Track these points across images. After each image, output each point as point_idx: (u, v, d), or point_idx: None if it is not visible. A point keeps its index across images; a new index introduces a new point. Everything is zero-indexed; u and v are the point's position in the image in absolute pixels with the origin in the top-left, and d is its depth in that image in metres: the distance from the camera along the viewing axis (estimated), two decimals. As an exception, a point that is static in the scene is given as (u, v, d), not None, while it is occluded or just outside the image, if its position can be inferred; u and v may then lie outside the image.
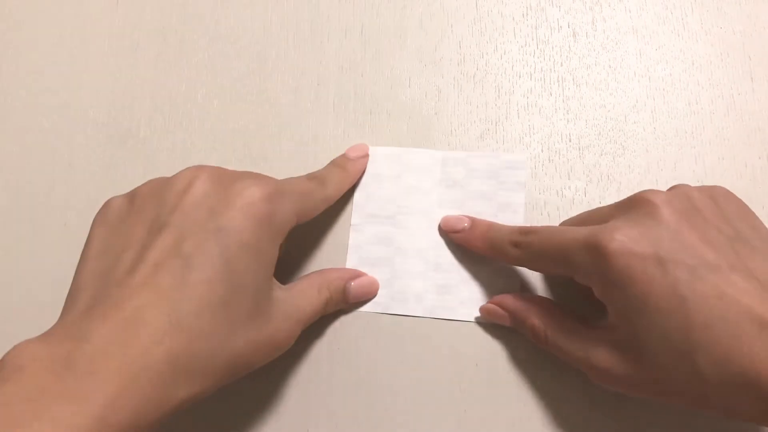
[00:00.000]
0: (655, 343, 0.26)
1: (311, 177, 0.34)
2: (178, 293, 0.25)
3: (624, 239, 0.27)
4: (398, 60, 0.40)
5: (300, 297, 0.31)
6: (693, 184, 0.36)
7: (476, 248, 0.34)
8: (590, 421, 0.32)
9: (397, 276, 0.35)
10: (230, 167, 0.38)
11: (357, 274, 0.35)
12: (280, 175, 0.37)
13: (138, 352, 0.23)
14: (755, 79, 0.38)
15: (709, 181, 0.36)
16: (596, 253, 0.27)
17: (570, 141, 0.37)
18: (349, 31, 0.41)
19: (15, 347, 0.23)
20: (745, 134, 0.37)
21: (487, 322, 0.34)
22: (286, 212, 0.29)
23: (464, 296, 0.35)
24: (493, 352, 0.34)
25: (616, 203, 0.31)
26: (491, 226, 0.34)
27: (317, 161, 0.38)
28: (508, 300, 0.33)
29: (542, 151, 0.37)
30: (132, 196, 0.29)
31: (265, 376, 0.34)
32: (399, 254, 0.35)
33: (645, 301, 0.26)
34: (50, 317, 0.36)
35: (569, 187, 0.36)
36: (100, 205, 0.38)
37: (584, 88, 0.38)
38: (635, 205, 0.28)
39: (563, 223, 0.34)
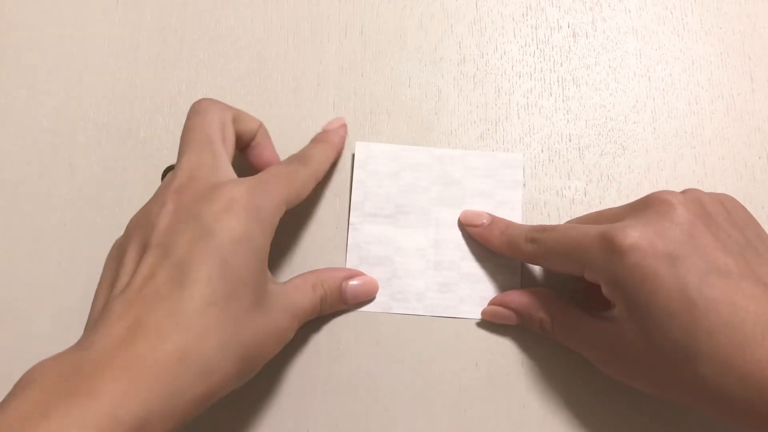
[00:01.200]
0: (659, 342, 0.26)
1: (291, 158, 0.33)
2: (178, 294, 0.25)
3: (639, 236, 0.27)
4: (398, 60, 0.40)
5: (294, 292, 0.31)
6: (693, 184, 0.36)
7: (492, 244, 0.34)
8: (590, 421, 0.32)
9: (398, 275, 0.35)
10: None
11: (353, 274, 0.34)
12: (280, 175, 0.37)
13: (144, 351, 0.23)
14: (755, 79, 0.38)
15: (709, 181, 0.36)
16: (610, 249, 0.27)
17: (570, 141, 0.37)
18: (349, 31, 0.41)
19: (33, 366, 0.24)
20: (745, 134, 0.37)
21: (492, 322, 0.34)
22: (272, 200, 0.29)
23: (465, 294, 0.35)
24: (493, 351, 0.34)
25: (629, 203, 0.31)
26: (510, 224, 0.34)
27: (317, 161, 0.38)
28: (512, 297, 0.33)
29: (542, 151, 0.37)
30: (126, 230, 0.30)
31: (265, 375, 0.34)
32: (399, 253, 0.35)
33: (653, 300, 0.26)
34: (49, 317, 0.36)
35: (569, 187, 0.36)
36: (100, 205, 0.38)
37: (584, 88, 0.38)
38: (651, 205, 0.29)
39: (573, 221, 0.34)
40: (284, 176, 0.31)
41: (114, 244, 0.30)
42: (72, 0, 0.43)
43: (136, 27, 0.42)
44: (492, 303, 0.34)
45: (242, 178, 0.29)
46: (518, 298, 0.33)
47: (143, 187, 0.38)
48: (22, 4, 0.43)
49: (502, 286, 0.35)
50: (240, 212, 0.27)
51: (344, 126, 0.37)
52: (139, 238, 0.28)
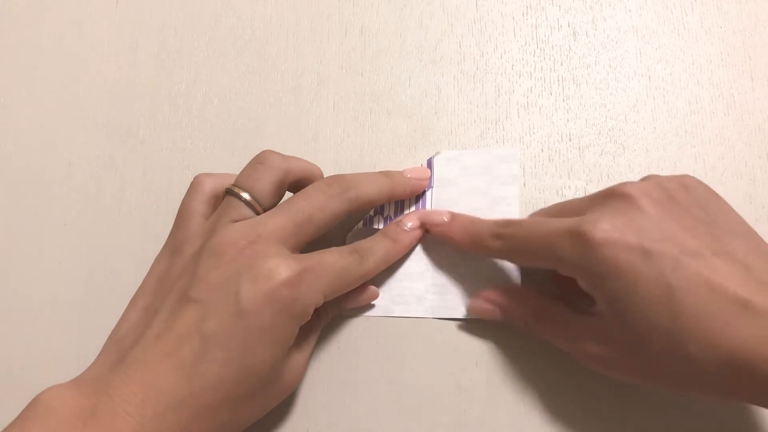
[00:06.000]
0: (645, 331, 0.26)
1: (354, 249, 0.32)
2: (195, 368, 0.27)
3: (609, 229, 0.27)
4: (398, 59, 0.40)
5: (305, 331, 0.32)
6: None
7: (456, 242, 0.34)
8: (590, 421, 0.32)
9: (397, 278, 0.35)
10: (230, 167, 0.38)
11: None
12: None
13: (153, 415, 0.26)
14: (755, 79, 0.38)
15: (709, 180, 0.36)
16: (581, 244, 0.27)
17: (570, 140, 0.37)
18: (349, 30, 0.41)
19: (49, 389, 0.26)
20: (745, 133, 0.37)
21: (492, 323, 0.34)
22: (311, 295, 0.29)
23: (465, 294, 0.35)
24: (493, 351, 0.34)
25: (590, 195, 0.31)
26: (473, 220, 0.34)
27: (317, 160, 0.37)
28: (497, 294, 0.33)
29: (542, 150, 0.37)
30: (173, 252, 0.31)
31: (265, 375, 0.34)
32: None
33: (632, 290, 0.26)
34: (49, 317, 0.36)
35: (569, 187, 0.36)
36: (99, 205, 0.38)
37: (584, 87, 0.38)
38: (614, 197, 0.29)
39: (535, 214, 0.34)
40: (336, 270, 0.30)
41: (160, 262, 0.32)
42: (72, 0, 0.43)
43: (136, 26, 0.42)
44: (477, 297, 0.34)
45: (292, 258, 0.29)
46: (502, 294, 0.33)
47: (143, 187, 0.38)
48: (22, 4, 0.43)
49: (502, 285, 0.34)
50: (275, 305, 0.27)
51: (421, 230, 0.35)
52: (186, 278, 0.29)
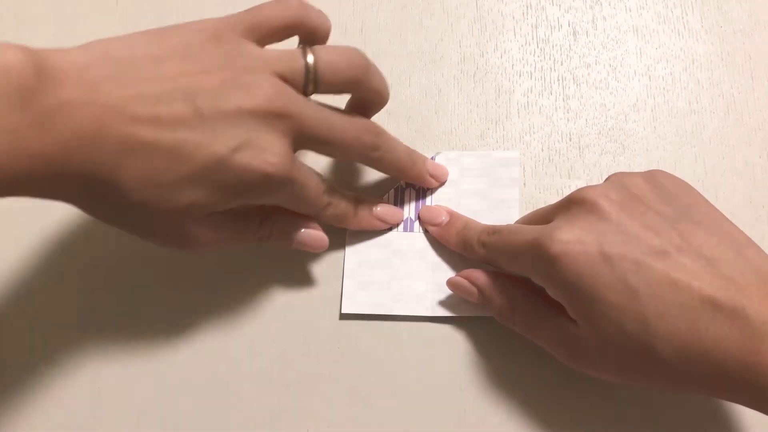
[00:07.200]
0: (615, 336, 0.26)
1: (330, 194, 0.32)
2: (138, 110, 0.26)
3: (566, 239, 0.27)
4: (398, 59, 0.40)
5: (235, 221, 0.31)
6: (693, 183, 0.36)
7: (450, 244, 0.34)
8: (591, 421, 0.32)
9: (397, 277, 0.35)
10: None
11: (309, 225, 0.33)
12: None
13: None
14: (756, 78, 0.38)
15: (709, 180, 0.36)
16: (541, 256, 0.27)
17: (570, 140, 0.37)
18: (349, 30, 0.41)
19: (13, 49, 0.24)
20: (745, 133, 0.37)
21: (455, 293, 0.33)
22: (269, 199, 0.29)
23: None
24: (493, 351, 0.34)
25: (555, 203, 0.31)
26: (466, 224, 0.34)
27: (318, 160, 0.37)
28: (479, 274, 0.32)
29: (542, 150, 0.37)
30: (217, 35, 0.28)
31: (265, 375, 0.34)
32: (397, 256, 0.35)
33: (596, 298, 0.26)
34: (50, 316, 0.36)
35: (569, 186, 0.36)
36: (100, 205, 0.38)
37: (584, 87, 0.38)
38: (574, 203, 0.29)
39: (519, 221, 0.34)
40: (306, 198, 0.30)
41: (202, 30, 0.29)
42: (72, 0, 0.43)
43: (135, 27, 0.41)
44: (459, 275, 0.33)
45: (294, 160, 0.28)
46: (483, 276, 0.32)
47: (143, 186, 0.38)
48: (21, 4, 0.43)
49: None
50: (243, 180, 0.27)
51: (383, 222, 0.35)
52: (204, 75, 0.27)
